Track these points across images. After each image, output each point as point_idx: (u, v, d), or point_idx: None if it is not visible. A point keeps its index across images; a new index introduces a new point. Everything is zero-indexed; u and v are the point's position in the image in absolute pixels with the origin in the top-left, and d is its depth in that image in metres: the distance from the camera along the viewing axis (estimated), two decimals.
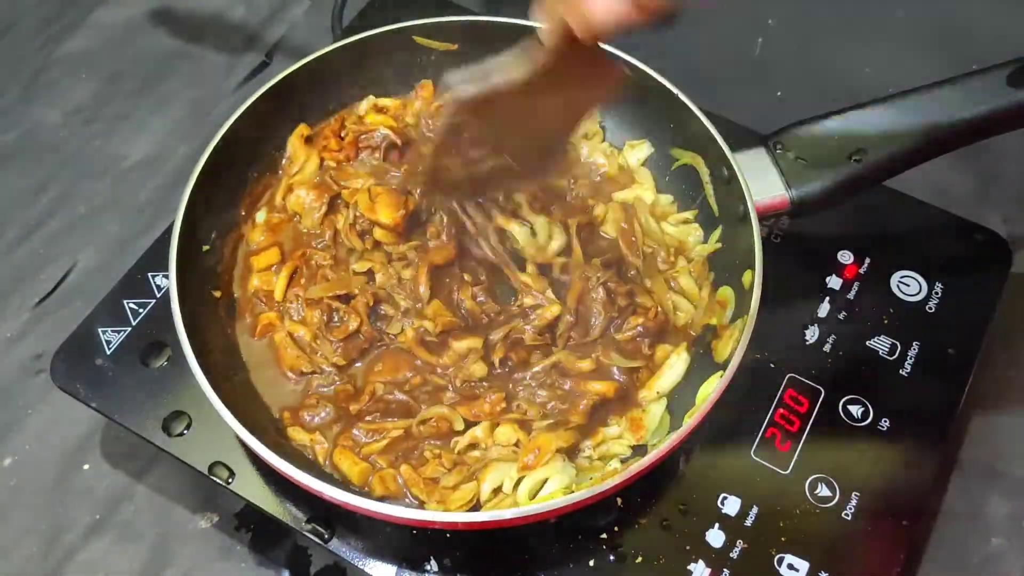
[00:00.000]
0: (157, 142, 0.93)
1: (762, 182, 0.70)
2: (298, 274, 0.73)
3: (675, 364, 0.69)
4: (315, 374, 0.70)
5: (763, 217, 0.70)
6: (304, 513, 0.65)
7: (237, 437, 0.61)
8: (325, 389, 0.69)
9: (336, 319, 0.70)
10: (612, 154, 0.82)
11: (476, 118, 0.58)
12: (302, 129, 0.80)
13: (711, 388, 0.64)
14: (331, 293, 0.71)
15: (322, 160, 0.79)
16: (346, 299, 0.71)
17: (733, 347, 0.64)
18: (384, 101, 0.84)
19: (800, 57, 0.98)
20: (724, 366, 0.63)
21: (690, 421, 0.60)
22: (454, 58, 0.84)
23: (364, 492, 0.64)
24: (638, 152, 0.82)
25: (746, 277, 0.68)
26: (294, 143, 0.79)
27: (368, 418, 0.67)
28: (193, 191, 0.70)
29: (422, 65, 0.84)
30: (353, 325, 0.70)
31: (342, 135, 0.80)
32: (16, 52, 1.00)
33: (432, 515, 0.59)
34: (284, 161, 0.80)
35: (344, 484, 0.64)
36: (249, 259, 0.75)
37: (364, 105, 0.83)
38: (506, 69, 0.54)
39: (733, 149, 0.71)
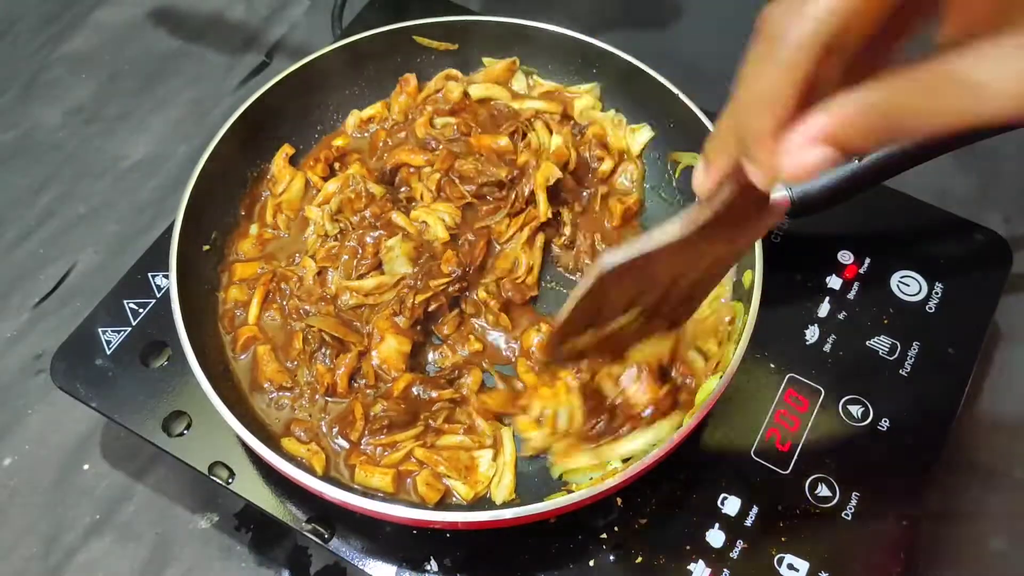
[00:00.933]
0: (157, 142, 0.93)
1: None
2: (271, 295, 0.73)
3: (642, 435, 0.64)
4: (295, 390, 0.69)
5: None
6: (304, 513, 0.65)
7: (237, 437, 0.61)
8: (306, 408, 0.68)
9: (324, 358, 0.69)
10: (619, 124, 0.82)
11: (616, 286, 0.53)
12: (286, 149, 0.80)
13: (711, 388, 0.64)
14: (330, 332, 0.68)
15: (307, 180, 0.79)
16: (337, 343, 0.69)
17: (733, 348, 0.64)
18: (368, 111, 0.83)
19: None
20: (723, 367, 0.63)
21: (690, 421, 0.60)
22: (453, 57, 0.84)
23: (366, 492, 0.64)
24: (640, 136, 0.82)
25: (746, 277, 0.68)
26: (278, 163, 0.79)
27: (377, 438, 0.66)
28: (193, 191, 0.70)
29: (421, 65, 0.84)
30: (330, 378, 0.68)
31: (333, 165, 0.80)
32: (16, 52, 1.00)
33: (432, 515, 0.59)
34: (268, 179, 0.79)
35: (345, 485, 0.64)
36: (233, 266, 0.75)
37: (351, 121, 0.83)
38: (661, 235, 0.48)
39: None
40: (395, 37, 0.81)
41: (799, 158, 0.36)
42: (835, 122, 0.34)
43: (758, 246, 0.67)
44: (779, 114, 0.36)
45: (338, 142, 0.82)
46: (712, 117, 0.74)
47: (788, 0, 0.34)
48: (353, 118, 0.83)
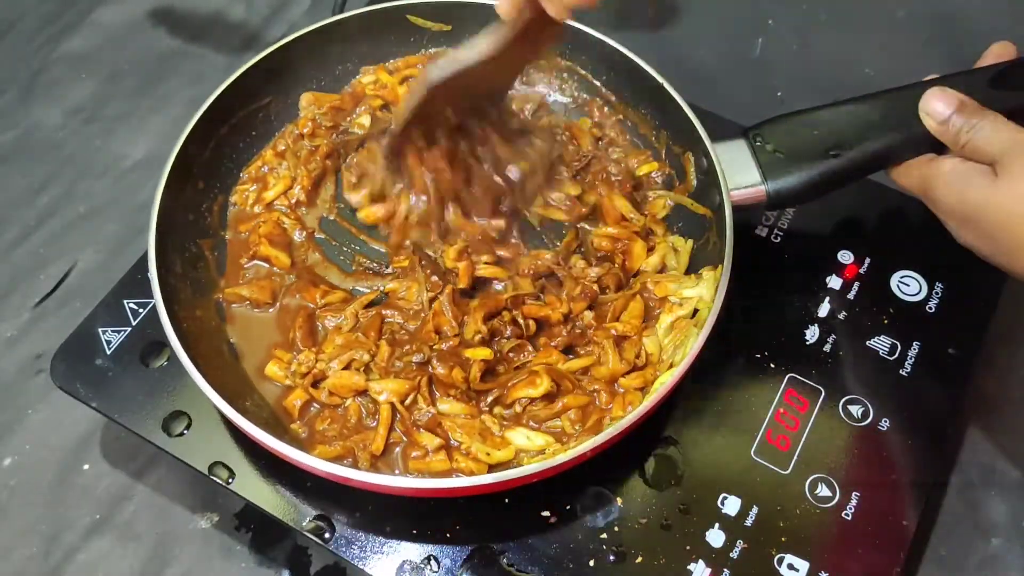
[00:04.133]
0: (157, 142, 0.93)
1: (740, 174, 0.70)
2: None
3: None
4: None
5: (739, 208, 0.69)
6: (304, 513, 0.65)
7: (238, 431, 0.61)
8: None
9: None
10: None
11: (441, 96, 0.64)
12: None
13: (688, 346, 0.64)
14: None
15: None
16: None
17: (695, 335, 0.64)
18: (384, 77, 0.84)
19: (800, 57, 0.98)
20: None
21: (668, 380, 0.61)
22: (447, 38, 0.85)
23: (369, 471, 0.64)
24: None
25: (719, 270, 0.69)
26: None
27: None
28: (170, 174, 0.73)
29: (414, 44, 0.85)
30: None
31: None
32: (16, 52, 1.00)
33: (419, 483, 0.60)
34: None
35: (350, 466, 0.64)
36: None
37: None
38: (473, 49, 0.61)
39: (714, 140, 0.72)
40: (389, 15, 0.81)
41: None
42: None
43: (729, 239, 0.67)
44: None
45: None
46: (706, 115, 0.74)
47: None
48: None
